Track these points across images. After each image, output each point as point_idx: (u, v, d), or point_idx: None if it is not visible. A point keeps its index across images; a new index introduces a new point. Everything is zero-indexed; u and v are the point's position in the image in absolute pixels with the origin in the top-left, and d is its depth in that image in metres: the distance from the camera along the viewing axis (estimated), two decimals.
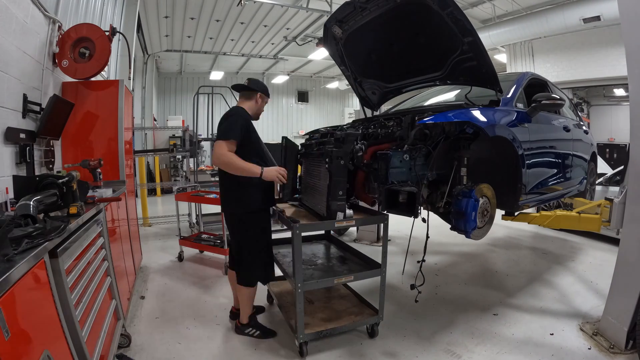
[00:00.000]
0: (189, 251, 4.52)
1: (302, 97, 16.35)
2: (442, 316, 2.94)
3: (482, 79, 2.53)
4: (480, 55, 2.32)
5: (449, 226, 2.36)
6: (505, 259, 4.44)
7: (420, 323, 2.83)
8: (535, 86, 3.27)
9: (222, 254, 4.01)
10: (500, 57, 10.06)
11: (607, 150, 10.62)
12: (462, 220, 2.19)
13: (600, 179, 5.15)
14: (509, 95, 2.75)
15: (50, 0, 2.88)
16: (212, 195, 4.24)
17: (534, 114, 2.77)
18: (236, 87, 2.64)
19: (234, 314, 2.84)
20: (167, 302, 3.21)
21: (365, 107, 3.55)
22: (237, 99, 2.64)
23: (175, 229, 5.02)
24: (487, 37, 7.86)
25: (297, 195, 3.02)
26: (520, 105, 2.81)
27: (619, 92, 10.26)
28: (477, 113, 2.30)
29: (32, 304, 1.21)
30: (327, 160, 2.26)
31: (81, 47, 3.10)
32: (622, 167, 5.22)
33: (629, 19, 2.36)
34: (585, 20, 6.63)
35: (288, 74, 14.13)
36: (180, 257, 4.37)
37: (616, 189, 2.83)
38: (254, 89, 2.55)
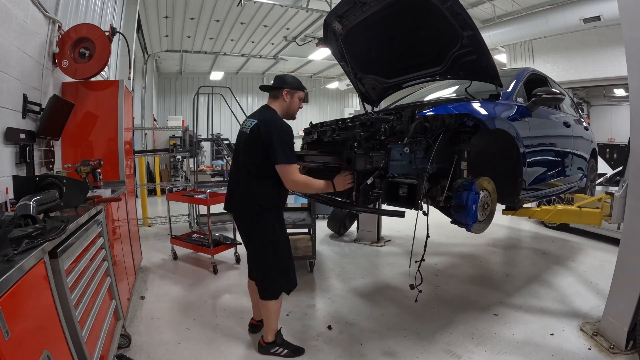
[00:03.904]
0: (189, 251, 4.52)
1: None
2: (442, 316, 2.94)
3: (482, 73, 2.53)
4: (480, 49, 2.31)
5: (449, 224, 2.34)
6: (506, 259, 4.44)
7: (420, 323, 2.83)
8: (536, 82, 3.26)
9: (208, 253, 4.03)
10: (500, 57, 10.05)
11: (607, 150, 10.61)
12: (462, 213, 2.16)
13: (600, 179, 5.15)
14: (509, 90, 2.75)
15: (50, 0, 2.88)
16: (201, 196, 4.24)
17: (534, 108, 2.77)
18: (263, 88, 2.49)
19: (254, 326, 2.64)
20: (167, 303, 3.21)
21: (365, 103, 3.55)
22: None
23: (176, 228, 5.02)
24: (487, 37, 7.82)
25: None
26: (520, 100, 2.80)
27: (619, 92, 10.25)
28: (477, 105, 2.29)
29: (32, 304, 1.21)
30: (355, 145, 2.18)
31: (81, 47, 3.10)
32: (621, 167, 5.22)
33: (629, 19, 2.36)
34: (585, 20, 6.63)
35: None
36: (175, 256, 4.41)
37: (616, 188, 2.82)
38: (278, 87, 2.38)
